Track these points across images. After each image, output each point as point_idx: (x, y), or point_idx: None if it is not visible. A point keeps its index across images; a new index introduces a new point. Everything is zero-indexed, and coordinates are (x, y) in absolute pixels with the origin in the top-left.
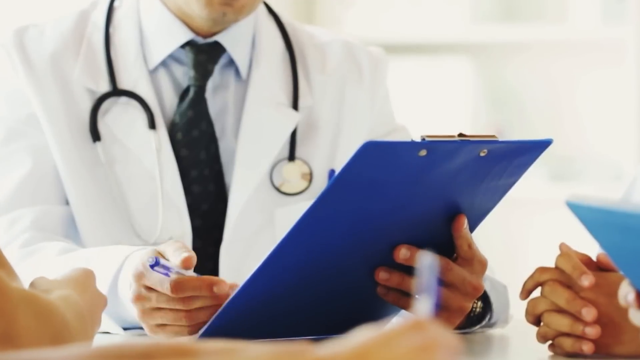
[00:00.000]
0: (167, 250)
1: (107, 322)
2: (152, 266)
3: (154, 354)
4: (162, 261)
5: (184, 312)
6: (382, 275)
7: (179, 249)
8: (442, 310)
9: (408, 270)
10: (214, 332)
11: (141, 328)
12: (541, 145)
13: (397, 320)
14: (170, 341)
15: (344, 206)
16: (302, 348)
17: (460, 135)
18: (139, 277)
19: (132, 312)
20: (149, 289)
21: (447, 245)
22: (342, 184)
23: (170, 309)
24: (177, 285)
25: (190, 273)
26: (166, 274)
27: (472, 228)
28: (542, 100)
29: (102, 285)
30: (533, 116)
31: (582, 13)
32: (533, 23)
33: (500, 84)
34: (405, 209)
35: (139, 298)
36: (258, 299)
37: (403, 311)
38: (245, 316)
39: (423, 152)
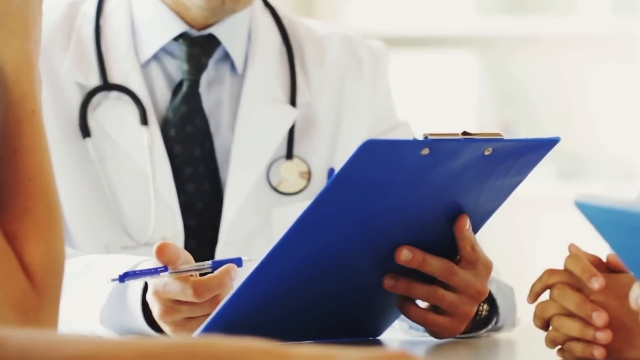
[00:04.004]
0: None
1: (103, 330)
2: (121, 279)
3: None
4: (132, 270)
5: None
6: (387, 282)
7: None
8: (446, 315)
9: (414, 273)
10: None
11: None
12: (548, 144)
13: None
14: (263, 343)
15: (344, 206)
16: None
17: (464, 133)
18: (159, 293)
19: (141, 322)
20: (176, 301)
21: (451, 247)
22: (342, 183)
23: (204, 316)
24: (199, 289)
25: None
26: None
27: (476, 229)
28: (550, 95)
29: (104, 294)
30: (540, 112)
31: (592, 5)
32: (541, 15)
33: (506, 78)
34: (407, 208)
35: (167, 312)
36: (254, 302)
37: (402, 316)
38: (240, 321)
39: (425, 151)
